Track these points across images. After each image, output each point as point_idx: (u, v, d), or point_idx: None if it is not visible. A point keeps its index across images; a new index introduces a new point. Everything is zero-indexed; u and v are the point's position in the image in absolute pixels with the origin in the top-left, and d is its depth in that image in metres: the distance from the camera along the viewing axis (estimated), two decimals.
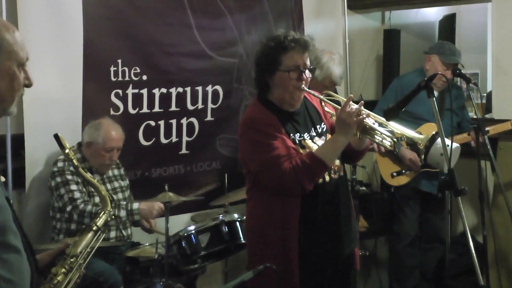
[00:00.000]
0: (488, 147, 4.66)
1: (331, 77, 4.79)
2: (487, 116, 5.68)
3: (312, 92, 3.37)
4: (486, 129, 4.84)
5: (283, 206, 3.27)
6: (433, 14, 7.50)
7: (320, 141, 3.34)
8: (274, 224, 3.30)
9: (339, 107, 3.19)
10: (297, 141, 3.28)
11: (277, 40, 3.26)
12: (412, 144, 5.02)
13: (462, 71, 5.00)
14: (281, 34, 3.27)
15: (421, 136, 3.09)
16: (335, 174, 3.37)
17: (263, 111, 3.29)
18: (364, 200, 5.65)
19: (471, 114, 5.64)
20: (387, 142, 3.16)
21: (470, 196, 5.11)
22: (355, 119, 3.10)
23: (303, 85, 3.26)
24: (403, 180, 5.28)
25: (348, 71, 6.16)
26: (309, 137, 3.33)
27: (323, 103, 3.45)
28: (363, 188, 5.56)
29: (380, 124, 3.17)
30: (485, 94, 6.52)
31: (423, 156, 3.15)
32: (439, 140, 2.98)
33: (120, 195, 4.65)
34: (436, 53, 5.21)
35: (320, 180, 3.28)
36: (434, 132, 3.02)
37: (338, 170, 3.40)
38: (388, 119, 3.11)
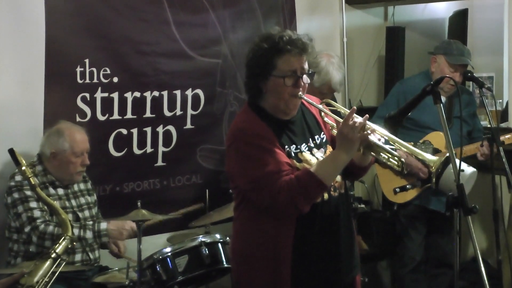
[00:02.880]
0: (504, 160, 4.64)
1: (330, 84, 4.78)
2: (502, 125, 5.69)
3: (311, 101, 3.33)
4: (501, 139, 4.83)
5: (275, 227, 3.23)
6: (442, 10, 7.52)
7: (319, 153, 3.31)
8: (264, 246, 3.26)
9: (340, 120, 3.15)
10: (293, 154, 3.24)
11: (271, 40, 3.20)
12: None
13: (474, 74, 5.00)
14: (276, 34, 3.21)
15: (434, 158, 3.05)
16: (336, 191, 3.34)
17: (255, 120, 3.26)
18: (363, 220, 5.65)
19: (485, 123, 5.64)
20: (394, 162, 3.14)
21: (483, 215, 5.12)
22: (358, 134, 3.07)
23: (300, 93, 3.23)
24: (407, 196, 5.24)
25: (346, 74, 6.14)
26: (306, 148, 3.30)
27: (322, 114, 3.42)
28: (362, 205, 5.55)
29: (387, 142, 3.15)
30: (500, 100, 6.53)
31: (434, 180, 3.12)
32: (451, 166, 2.96)
33: (86, 213, 4.62)
34: (442, 53, 5.20)
35: (318, 199, 3.25)
36: (448, 154, 2.99)
37: (338, 187, 3.36)
38: (389, 128, 3.10)
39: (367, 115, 3.11)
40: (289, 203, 3.09)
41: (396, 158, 3.11)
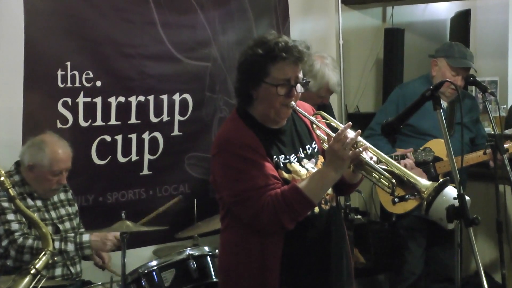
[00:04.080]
0: (508, 168, 4.64)
1: (328, 86, 4.78)
2: (506, 131, 5.69)
3: (302, 111, 3.31)
4: (505, 146, 4.84)
5: (262, 240, 3.21)
6: (444, 10, 7.55)
7: (309, 164, 3.30)
8: (251, 261, 3.25)
9: (332, 134, 3.13)
10: (282, 164, 3.23)
11: (266, 46, 3.17)
12: (424, 161, 5.02)
13: (476, 78, 5.00)
14: (272, 40, 3.18)
15: (427, 183, 3.04)
16: (327, 204, 3.33)
17: (242, 128, 3.25)
18: (360, 231, 5.65)
19: (488, 130, 5.65)
20: (385, 183, 3.13)
21: (486, 227, 5.12)
22: (349, 152, 3.06)
23: (292, 102, 3.22)
24: (406, 207, 5.23)
25: (342, 78, 6.15)
26: (296, 159, 3.28)
27: (314, 126, 3.41)
28: (359, 217, 5.56)
29: (379, 161, 3.15)
30: (504, 106, 6.54)
31: (425, 206, 3.10)
32: (447, 191, 2.96)
33: (67, 224, 4.60)
34: (443, 56, 5.21)
35: (308, 212, 3.22)
36: (442, 180, 2.99)
37: (330, 200, 3.36)
38: (386, 135, 3.10)
39: (359, 131, 3.10)
40: (273, 220, 3.08)
41: (387, 179, 3.10)
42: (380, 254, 5.82)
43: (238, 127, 3.26)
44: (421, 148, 5.03)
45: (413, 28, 7.21)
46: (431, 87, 3.05)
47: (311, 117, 3.34)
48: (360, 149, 3.06)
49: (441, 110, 2.99)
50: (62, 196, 4.65)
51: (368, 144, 3.10)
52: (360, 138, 3.09)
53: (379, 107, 6.57)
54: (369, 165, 3.11)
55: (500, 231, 4.56)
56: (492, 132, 4.79)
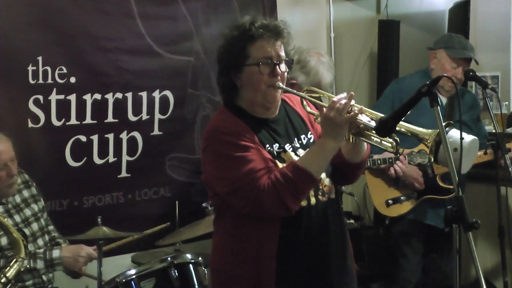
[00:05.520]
0: (510, 169, 4.65)
1: (320, 85, 4.77)
2: (509, 130, 5.71)
3: (290, 89, 3.33)
4: (508, 146, 4.85)
5: (256, 240, 3.23)
6: (442, 1, 7.56)
7: None
8: (245, 261, 3.26)
9: (325, 105, 3.15)
10: (275, 153, 3.24)
11: (242, 28, 3.23)
12: (419, 164, 5.03)
13: (476, 73, 5.00)
14: (247, 21, 3.24)
15: (428, 131, 3.06)
16: (324, 196, 3.33)
17: (231, 118, 3.26)
18: (353, 237, 5.61)
19: (489, 128, 5.66)
20: (387, 144, 3.14)
21: (486, 231, 5.13)
22: (345, 116, 3.07)
23: (278, 82, 3.23)
24: (401, 209, 5.25)
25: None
26: (291, 148, 3.30)
27: (304, 102, 3.42)
28: (352, 221, 5.56)
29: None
30: (506, 103, 6.55)
31: (432, 156, 3.10)
32: (451, 133, 2.96)
33: (34, 226, 4.56)
34: (442, 48, 5.20)
35: (304, 203, 3.22)
36: (444, 123, 2.99)
37: (328, 192, 3.36)
38: (380, 134, 3.09)
39: (352, 93, 3.11)
40: (275, 202, 3.07)
41: (389, 139, 3.11)
42: (374, 261, 5.84)
43: (227, 117, 3.28)
44: (415, 150, 5.04)
45: (409, 20, 7.21)
46: (428, 82, 3.05)
47: (301, 93, 3.36)
48: (355, 110, 3.07)
49: (439, 107, 2.99)
50: (26, 193, 4.61)
51: (362, 107, 3.11)
52: (353, 102, 3.10)
53: (373, 104, 6.58)
54: (368, 129, 3.11)
55: (502, 236, 4.58)
56: (494, 131, 4.81)
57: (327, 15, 6.33)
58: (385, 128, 3.08)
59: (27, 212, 4.58)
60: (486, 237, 5.56)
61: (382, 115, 3.10)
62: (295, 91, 3.34)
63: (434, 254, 5.44)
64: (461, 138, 3.06)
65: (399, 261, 5.44)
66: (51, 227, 4.68)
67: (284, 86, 3.25)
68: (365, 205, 6.25)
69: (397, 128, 3.07)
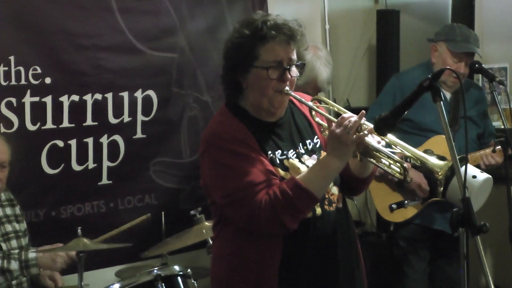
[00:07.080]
0: None
1: (316, 82, 4.80)
2: None
3: (299, 97, 3.33)
4: None
5: (258, 249, 3.24)
6: None
7: (310, 160, 3.32)
8: (246, 271, 3.27)
9: (334, 119, 3.15)
10: (278, 161, 3.25)
11: (253, 26, 3.22)
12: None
13: (483, 65, 5.00)
14: (259, 19, 3.24)
15: (440, 163, 3.06)
16: (331, 205, 3.34)
17: (232, 121, 3.28)
18: None
19: (498, 124, 5.66)
20: (396, 169, 3.15)
21: (496, 235, 5.12)
22: (354, 136, 3.07)
23: (287, 88, 3.23)
24: (406, 214, 5.25)
25: None
26: (295, 155, 3.31)
27: (313, 113, 3.43)
28: None
29: (388, 145, 3.16)
30: None
31: (441, 189, 3.12)
32: (464, 170, 2.96)
33: (14, 243, 4.58)
34: (443, 40, 5.20)
35: (310, 214, 3.23)
36: (458, 158, 3.00)
37: (335, 201, 3.37)
38: (380, 132, 3.10)
39: (363, 111, 3.11)
40: (272, 219, 3.09)
41: (398, 164, 3.12)
42: (377, 269, 5.84)
43: (227, 120, 3.30)
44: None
45: (409, 9, 7.23)
46: (429, 76, 3.06)
47: (309, 103, 3.36)
48: (365, 131, 3.07)
49: (443, 102, 2.99)
50: (8, 211, 4.64)
51: (373, 128, 3.10)
52: (364, 121, 3.10)
53: (372, 101, 6.59)
54: (377, 151, 3.12)
55: None
56: (502, 127, 4.81)
57: (321, 6, 6.34)
58: (384, 125, 3.08)
59: (8, 227, 4.60)
60: (496, 241, 5.56)
61: (394, 137, 3.11)
62: (303, 100, 3.33)
63: (441, 261, 5.43)
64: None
65: (404, 269, 5.45)
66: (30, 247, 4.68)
67: (292, 93, 3.26)
68: (367, 210, 6.25)
69: (408, 154, 3.08)
